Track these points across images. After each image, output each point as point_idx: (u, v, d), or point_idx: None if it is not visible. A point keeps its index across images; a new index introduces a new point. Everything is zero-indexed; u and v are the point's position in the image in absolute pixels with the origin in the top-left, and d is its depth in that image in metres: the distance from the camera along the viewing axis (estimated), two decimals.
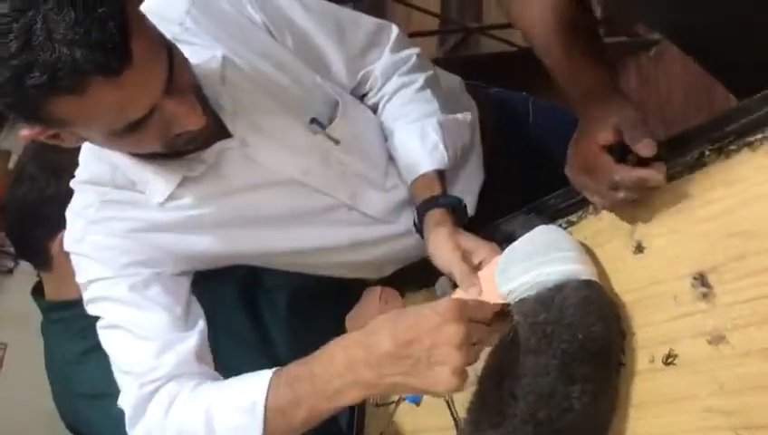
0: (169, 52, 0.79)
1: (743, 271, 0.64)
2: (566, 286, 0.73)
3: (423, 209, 0.95)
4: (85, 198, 0.98)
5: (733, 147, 0.68)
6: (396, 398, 1.09)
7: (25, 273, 1.28)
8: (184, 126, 0.82)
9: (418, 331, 0.70)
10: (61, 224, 1.15)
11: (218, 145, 0.92)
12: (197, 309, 1.02)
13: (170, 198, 0.94)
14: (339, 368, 0.76)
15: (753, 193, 0.64)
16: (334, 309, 1.27)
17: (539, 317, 0.72)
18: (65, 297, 1.22)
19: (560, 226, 0.86)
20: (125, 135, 0.79)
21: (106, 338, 0.98)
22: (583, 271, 0.74)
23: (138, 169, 0.93)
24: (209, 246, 1.00)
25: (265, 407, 0.82)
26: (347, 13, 1.07)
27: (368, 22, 1.07)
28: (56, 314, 1.23)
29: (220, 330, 1.23)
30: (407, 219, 1.04)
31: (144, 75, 0.74)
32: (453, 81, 1.17)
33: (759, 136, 0.65)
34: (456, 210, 0.94)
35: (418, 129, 1.00)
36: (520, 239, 0.79)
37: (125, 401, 0.93)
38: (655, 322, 0.71)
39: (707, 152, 0.70)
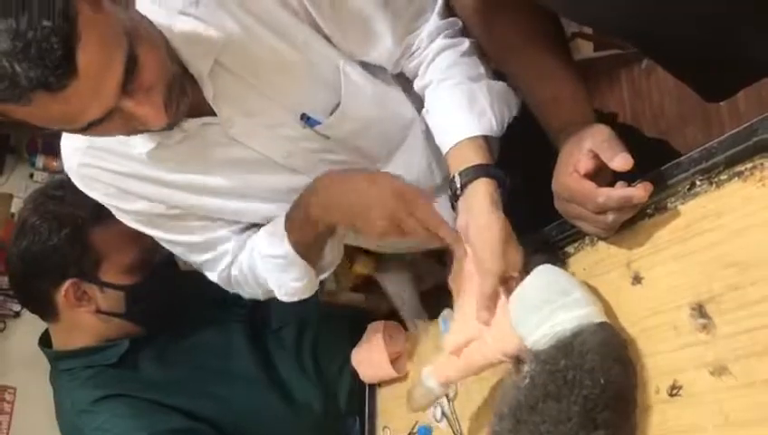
0: (132, 44, 0.77)
1: (740, 301, 0.64)
2: (583, 331, 0.72)
3: (471, 175, 0.87)
4: (74, 140, 1.00)
5: (723, 176, 0.68)
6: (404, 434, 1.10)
7: (33, 315, 1.28)
8: (144, 125, 0.82)
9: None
10: (65, 273, 1.17)
11: (201, 119, 0.92)
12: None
13: (151, 156, 0.95)
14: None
15: (745, 223, 0.65)
16: (341, 344, 1.28)
17: (559, 364, 0.71)
18: (73, 346, 1.23)
19: (558, 257, 0.86)
20: (88, 129, 0.79)
21: None
22: (594, 312, 0.74)
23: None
24: (192, 204, 1.02)
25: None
26: None
27: None
28: (65, 364, 1.24)
29: (235, 378, 1.24)
30: None
31: (93, 85, 0.73)
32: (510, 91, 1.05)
33: (748, 165, 0.66)
34: (501, 184, 0.88)
35: (466, 91, 0.93)
36: (523, 285, 0.78)
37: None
38: (658, 352, 0.71)
39: (698, 182, 0.71)
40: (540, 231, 0.90)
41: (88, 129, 0.79)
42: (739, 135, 0.67)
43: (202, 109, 0.92)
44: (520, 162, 0.97)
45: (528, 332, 0.75)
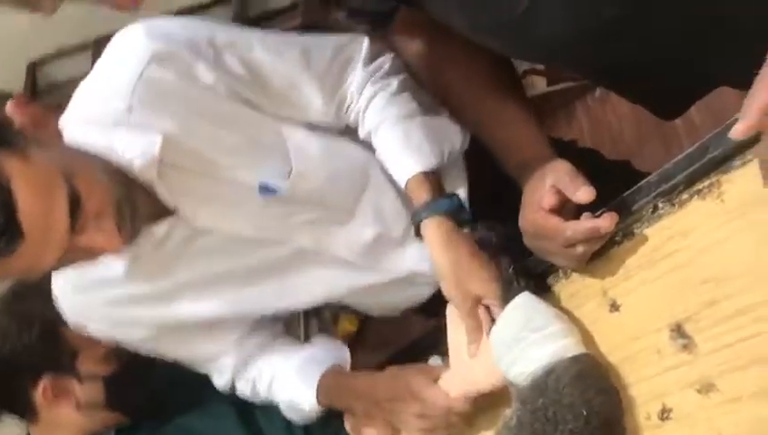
0: (69, 181, 0.78)
1: (717, 317, 0.64)
2: (555, 368, 0.72)
3: (418, 217, 0.90)
4: (61, 287, 1.01)
5: (684, 196, 0.70)
6: None
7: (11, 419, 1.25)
8: (103, 253, 0.83)
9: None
10: (41, 370, 1.14)
11: (165, 223, 0.92)
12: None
13: (128, 274, 0.95)
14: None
15: (710, 239, 0.66)
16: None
17: (537, 403, 0.71)
18: None
19: (540, 286, 0.86)
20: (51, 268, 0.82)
21: None
22: (570, 345, 0.74)
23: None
24: (190, 311, 1.01)
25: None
26: (310, 36, 1.02)
27: (334, 38, 1.01)
28: None
29: None
30: (388, 265, 1.04)
31: (41, 239, 0.75)
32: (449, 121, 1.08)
33: (706, 183, 0.67)
34: (454, 213, 0.90)
35: (400, 130, 0.95)
36: (500, 319, 0.79)
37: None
38: (643, 378, 0.71)
39: (660, 205, 0.72)
40: (519, 262, 0.90)
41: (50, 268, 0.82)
42: (693, 154, 0.68)
43: (162, 210, 0.92)
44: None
45: (505, 369, 0.76)
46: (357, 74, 0.99)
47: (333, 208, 1.01)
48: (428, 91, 0.98)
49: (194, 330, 1.05)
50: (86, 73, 0.95)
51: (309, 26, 2.20)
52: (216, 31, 0.96)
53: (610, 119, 2.31)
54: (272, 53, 0.96)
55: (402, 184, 0.94)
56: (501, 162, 0.88)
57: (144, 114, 0.90)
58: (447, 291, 0.88)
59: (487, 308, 0.85)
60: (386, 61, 1.00)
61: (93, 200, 0.80)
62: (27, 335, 1.12)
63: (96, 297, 0.99)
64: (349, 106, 1.01)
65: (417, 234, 0.92)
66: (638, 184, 0.74)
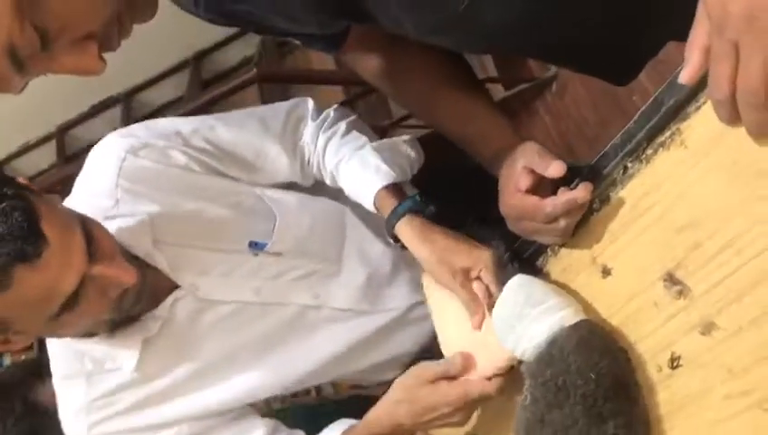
0: (83, 224, 0.83)
1: (703, 258, 0.66)
2: (557, 338, 0.74)
3: (389, 229, 0.96)
4: (73, 401, 0.99)
5: (649, 152, 0.72)
6: None
7: None
8: (118, 286, 0.85)
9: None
10: None
11: (170, 298, 0.95)
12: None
13: (142, 365, 0.96)
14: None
15: (682, 186, 0.68)
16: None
17: (546, 374, 0.73)
18: None
19: (532, 267, 0.89)
20: (65, 314, 0.81)
21: None
22: (567, 315, 0.76)
23: (99, 346, 0.95)
24: (210, 398, 1.01)
25: None
26: (263, 107, 1.13)
27: (283, 104, 1.12)
28: None
29: None
30: (386, 303, 1.07)
31: (64, 251, 0.79)
32: (401, 141, 1.14)
33: (667, 134, 0.70)
34: (420, 210, 0.95)
35: (356, 161, 1.02)
36: (499, 301, 0.81)
37: None
38: (647, 333, 0.73)
39: (629, 165, 0.74)
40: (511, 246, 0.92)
41: (66, 312, 0.81)
42: (650, 110, 0.71)
43: (164, 291, 0.96)
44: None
45: (513, 349, 0.79)
46: (308, 129, 1.09)
47: (321, 260, 1.06)
48: (393, 100, 1.02)
49: (219, 422, 1.04)
50: None
51: (266, 77, 2.24)
52: (178, 123, 1.05)
53: (571, 110, 2.36)
54: (233, 128, 1.06)
55: (371, 206, 0.99)
56: (474, 156, 0.91)
57: (131, 203, 0.97)
58: (435, 275, 0.92)
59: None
60: (331, 111, 1.11)
61: (105, 241, 0.85)
62: None
63: (112, 410, 0.98)
64: (309, 159, 1.10)
65: (396, 241, 0.97)
66: (605, 150, 0.77)
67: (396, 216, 0.95)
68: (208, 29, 3.29)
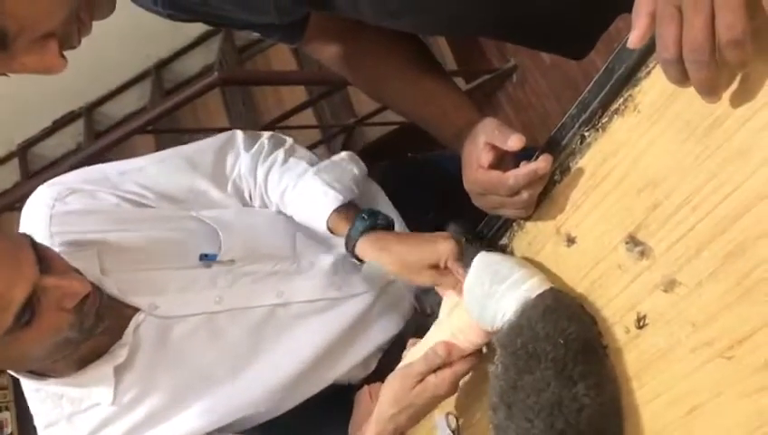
0: (33, 243, 0.85)
1: (662, 217, 0.68)
2: (525, 309, 0.76)
3: (349, 251, 0.99)
4: None
5: (604, 120, 0.74)
6: None
7: None
8: (73, 296, 0.85)
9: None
10: None
11: (132, 323, 0.95)
12: None
13: (119, 395, 0.95)
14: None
15: (638, 149, 0.70)
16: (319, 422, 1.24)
17: (517, 343, 0.75)
18: None
19: (494, 244, 0.91)
20: (23, 331, 0.82)
21: None
22: (533, 285, 0.78)
23: (74, 387, 0.95)
24: (193, 419, 1.00)
25: None
26: (191, 146, 1.15)
27: (211, 140, 1.14)
28: None
29: None
30: (355, 287, 1.08)
31: (12, 260, 0.81)
32: (340, 159, 1.17)
33: (620, 101, 0.72)
34: (373, 226, 0.98)
35: (301, 188, 1.05)
36: (466, 282, 0.83)
37: None
38: (613, 296, 0.74)
39: (586, 134, 0.76)
40: (476, 233, 0.94)
41: (20, 323, 0.81)
42: (602, 79, 0.73)
43: (127, 319, 0.96)
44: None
45: (486, 325, 0.80)
46: (243, 161, 1.11)
47: (277, 261, 1.06)
48: (355, 85, 1.03)
49: None
50: None
51: (228, 81, 2.24)
52: (105, 168, 1.07)
53: (531, 99, 2.39)
54: (161, 168, 1.08)
55: (326, 232, 1.03)
56: (437, 136, 0.92)
57: (67, 246, 0.97)
58: (406, 277, 0.94)
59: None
60: (264, 141, 1.13)
61: (54, 260, 0.87)
62: None
63: None
64: (250, 193, 1.12)
65: (360, 261, 1.00)
66: (562, 121, 0.79)
67: (352, 239, 0.99)
68: (168, 38, 3.30)
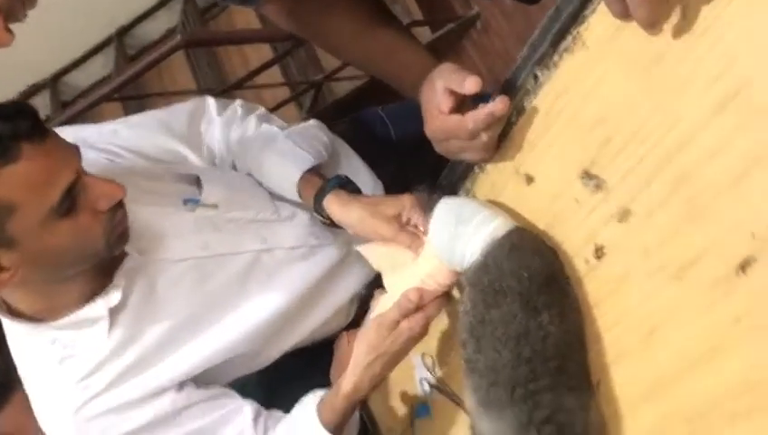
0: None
1: (614, 151, 0.71)
2: (491, 249, 0.79)
3: (318, 207, 1.02)
4: (51, 392, 0.99)
5: (555, 58, 0.76)
6: (407, 424, 1.12)
7: None
8: (109, 198, 0.89)
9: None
10: None
11: (122, 266, 0.97)
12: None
13: (114, 335, 0.97)
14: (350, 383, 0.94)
15: (588, 85, 0.72)
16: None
17: (484, 281, 0.78)
18: None
19: (455, 191, 0.93)
20: (63, 220, 0.86)
21: None
22: (498, 226, 0.80)
23: (66, 330, 0.96)
24: (185, 359, 1.03)
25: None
26: (162, 109, 1.17)
27: (184, 105, 1.16)
28: None
29: None
30: (334, 234, 1.12)
31: (62, 147, 0.87)
32: (310, 126, 1.21)
33: (569, 39, 0.74)
34: (346, 185, 1.01)
35: (272, 151, 1.07)
36: (431, 230, 0.85)
37: None
38: (572, 230, 0.77)
39: (539, 73, 0.78)
40: (438, 181, 0.97)
41: (63, 209, 0.86)
42: (551, 19, 0.75)
43: (115, 264, 0.98)
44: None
45: (454, 266, 0.83)
46: (216, 126, 1.13)
47: (259, 210, 1.08)
48: (315, 43, 1.04)
49: (204, 403, 1.05)
50: None
51: (192, 42, 2.22)
52: (79, 130, 1.09)
53: (496, 44, 2.40)
54: (135, 131, 1.10)
55: (295, 195, 1.06)
56: (396, 87, 0.93)
57: None
58: (370, 232, 0.96)
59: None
60: (237, 107, 1.15)
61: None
62: None
63: (93, 390, 0.98)
64: (222, 157, 1.14)
65: (326, 223, 1.03)
66: (516, 63, 0.81)
67: (319, 198, 1.01)
68: (129, 3, 3.22)
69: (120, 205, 0.92)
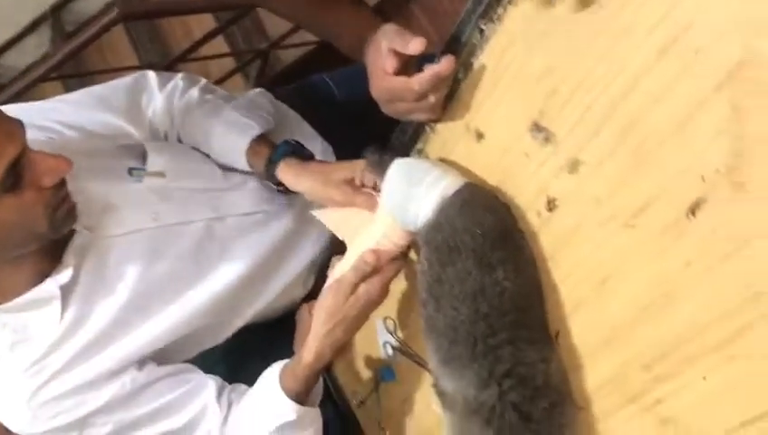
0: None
1: (561, 102, 0.71)
2: (443, 206, 0.78)
3: (269, 175, 1.01)
4: (3, 379, 0.96)
5: (500, 11, 0.75)
6: (372, 388, 1.13)
7: None
8: (54, 172, 0.86)
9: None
10: None
11: (71, 244, 0.94)
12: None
13: (66, 315, 0.94)
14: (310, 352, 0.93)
15: (533, 37, 0.72)
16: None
17: (438, 239, 0.77)
18: None
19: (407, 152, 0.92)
20: (6, 196, 0.82)
21: None
22: (449, 183, 0.80)
23: (17, 313, 0.93)
24: (142, 336, 1.00)
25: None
26: (100, 85, 1.13)
27: (123, 80, 1.12)
28: None
29: None
30: (288, 199, 1.11)
31: (6, 121, 0.83)
32: (253, 95, 1.19)
33: None
34: (292, 153, 1.01)
35: (217, 122, 1.05)
36: (383, 192, 0.85)
37: None
38: (523, 183, 0.77)
39: (484, 27, 0.77)
40: (390, 142, 0.96)
41: (8, 191, 0.82)
42: None
43: (63, 243, 0.94)
44: None
45: (409, 226, 0.83)
46: (157, 101, 1.10)
47: (208, 179, 1.06)
48: (264, 7, 1.03)
49: (166, 380, 1.02)
50: None
51: (130, 16, 2.15)
52: (17, 108, 1.01)
53: (445, 5, 2.37)
54: (75, 107, 1.07)
55: (245, 164, 1.05)
56: (345, 51, 0.92)
57: None
58: (324, 196, 0.95)
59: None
60: (179, 80, 1.12)
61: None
62: None
63: (47, 373, 0.95)
64: (166, 132, 1.11)
65: (279, 185, 1.03)
66: (461, 17, 0.80)
67: (274, 162, 1.00)
68: None
69: (63, 183, 0.89)
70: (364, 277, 0.89)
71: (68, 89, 2.72)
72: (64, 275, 0.93)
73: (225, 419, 1.02)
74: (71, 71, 2.57)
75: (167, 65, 2.40)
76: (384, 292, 0.91)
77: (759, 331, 0.56)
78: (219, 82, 2.53)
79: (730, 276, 0.57)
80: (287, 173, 1.00)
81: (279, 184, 1.03)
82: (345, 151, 1.08)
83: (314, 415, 0.99)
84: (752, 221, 0.55)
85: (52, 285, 0.93)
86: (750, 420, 0.58)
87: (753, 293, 0.56)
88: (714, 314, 0.59)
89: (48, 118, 1.03)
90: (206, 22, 2.60)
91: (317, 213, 0.98)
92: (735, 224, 0.56)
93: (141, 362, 1.01)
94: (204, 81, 1.14)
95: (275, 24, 2.58)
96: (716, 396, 0.60)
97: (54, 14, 3.07)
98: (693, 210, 0.59)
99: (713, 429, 0.61)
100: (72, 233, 0.95)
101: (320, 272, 1.18)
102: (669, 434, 0.65)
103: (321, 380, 1.02)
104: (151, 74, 1.12)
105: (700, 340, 0.61)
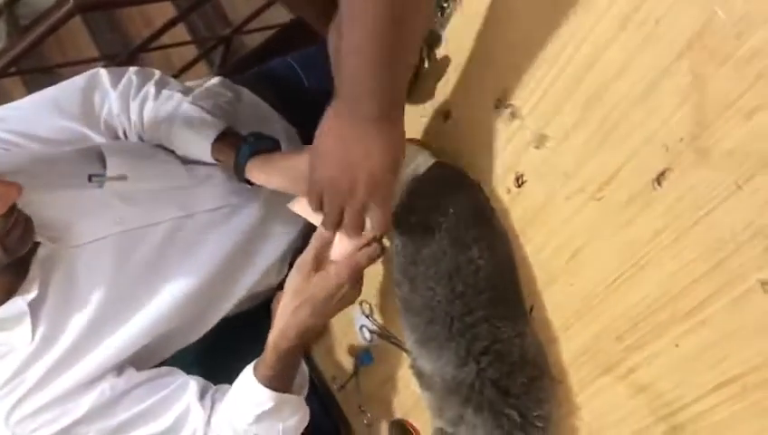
0: None
1: (525, 77, 0.71)
2: (415, 188, 0.78)
3: (239, 177, 1.00)
4: None
5: None
6: (351, 372, 1.13)
7: None
8: (2, 201, 0.81)
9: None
10: None
11: (36, 258, 0.91)
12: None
13: (37, 332, 0.92)
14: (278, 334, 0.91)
15: (497, 13, 0.72)
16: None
17: (411, 220, 0.77)
18: None
19: None
20: None
21: None
22: (419, 164, 0.80)
23: None
24: (116, 342, 0.98)
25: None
26: (51, 88, 1.09)
27: (75, 80, 1.09)
28: None
29: None
30: (254, 191, 1.08)
31: None
32: (211, 85, 1.16)
33: None
34: (258, 150, 0.99)
35: (181, 120, 1.03)
36: None
37: None
38: (492, 160, 0.77)
39: (444, 5, 0.77)
40: None
41: None
42: None
43: (28, 257, 0.91)
44: None
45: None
46: (112, 101, 1.07)
47: (171, 178, 1.03)
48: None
49: (146, 384, 1.00)
50: None
51: (85, 7, 2.11)
52: None
53: None
54: (25, 113, 1.04)
55: (212, 161, 1.03)
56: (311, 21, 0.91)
57: None
58: (297, 191, 0.93)
59: None
60: (132, 76, 1.09)
61: None
62: None
63: (23, 389, 0.93)
64: (125, 131, 1.09)
65: (251, 184, 1.01)
66: None
67: (240, 166, 0.99)
68: None
69: (11, 209, 0.84)
70: (324, 248, 0.86)
71: (29, 85, 2.68)
72: (31, 289, 0.91)
73: (209, 419, 1.01)
74: (30, 65, 2.51)
75: (128, 56, 2.36)
76: (357, 278, 0.87)
77: (727, 296, 0.57)
78: (183, 70, 2.49)
79: (697, 244, 0.58)
80: (257, 175, 0.99)
81: (249, 181, 1.02)
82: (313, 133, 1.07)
83: (296, 403, 0.97)
84: (716, 188, 0.56)
85: (20, 302, 0.90)
86: (722, 382, 0.59)
87: (720, 259, 0.57)
88: (683, 281, 0.60)
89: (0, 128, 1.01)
90: (166, 10, 2.56)
91: (291, 206, 0.97)
92: (700, 191, 0.57)
93: (120, 369, 0.99)
94: (157, 74, 1.11)
95: (236, 9, 2.54)
96: (689, 362, 0.61)
97: (9, 7, 3.00)
98: (659, 180, 0.60)
99: (686, 394, 0.62)
100: (36, 246, 0.92)
101: (295, 255, 1.17)
102: (644, 402, 0.66)
103: (305, 370, 1.01)
104: (103, 72, 1.09)
105: (671, 307, 0.62)
